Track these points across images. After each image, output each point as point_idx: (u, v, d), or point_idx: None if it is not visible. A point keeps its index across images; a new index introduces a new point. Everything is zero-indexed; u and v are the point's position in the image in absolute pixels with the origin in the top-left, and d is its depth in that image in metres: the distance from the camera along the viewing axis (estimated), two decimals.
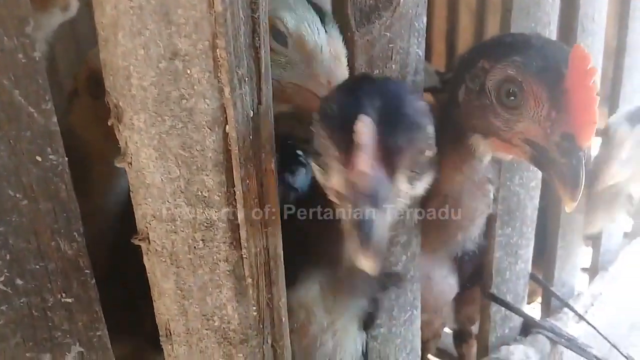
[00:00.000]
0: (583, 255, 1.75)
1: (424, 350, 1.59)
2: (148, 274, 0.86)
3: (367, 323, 1.14)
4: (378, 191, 0.69)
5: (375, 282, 1.04)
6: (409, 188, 0.79)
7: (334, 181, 0.75)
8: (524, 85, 0.93)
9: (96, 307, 0.84)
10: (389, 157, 0.72)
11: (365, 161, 0.69)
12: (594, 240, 1.87)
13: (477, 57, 1.02)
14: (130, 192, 0.81)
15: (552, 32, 1.23)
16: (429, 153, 0.80)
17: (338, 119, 0.74)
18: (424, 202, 1.11)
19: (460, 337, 1.80)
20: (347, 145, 0.71)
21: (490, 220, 1.32)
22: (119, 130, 0.77)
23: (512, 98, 0.95)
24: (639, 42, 1.69)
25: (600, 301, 1.65)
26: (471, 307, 1.55)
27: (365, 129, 0.69)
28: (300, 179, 1.26)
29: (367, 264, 0.69)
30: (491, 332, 1.44)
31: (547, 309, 1.65)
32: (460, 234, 1.21)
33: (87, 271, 0.81)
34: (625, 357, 1.40)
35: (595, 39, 1.46)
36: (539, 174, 1.35)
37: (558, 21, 1.44)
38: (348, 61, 1.01)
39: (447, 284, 1.39)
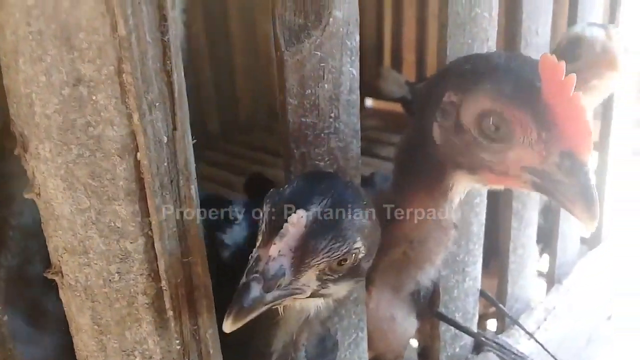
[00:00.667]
0: (537, 267, 1.74)
1: None
2: (65, 309, 0.82)
3: None
4: (272, 277, 0.73)
5: None
6: (319, 286, 0.81)
7: (253, 250, 0.78)
8: (504, 114, 0.86)
9: (9, 345, 0.79)
10: (303, 256, 0.75)
11: (277, 248, 0.74)
12: (550, 250, 1.87)
13: (441, 89, 0.97)
14: (42, 224, 0.77)
15: (490, 47, 1.22)
16: (350, 264, 0.81)
17: (281, 204, 0.78)
18: (387, 246, 1.08)
19: (424, 354, 1.78)
20: (274, 228, 0.75)
21: None
22: (25, 160, 0.74)
23: (495, 129, 0.88)
24: None
25: (553, 315, 1.64)
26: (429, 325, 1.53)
27: (296, 222, 0.74)
28: (233, 236, 1.22)
29: (226, 324, 0.72)
30: (441, 351, 1.42)
31: (502, 325, 1.64)
32: (419, 275, 1.20)
33: None
34: None
35: (540, 53, 1.46)
36: (484, 190, 1.34)
37: (504, 34, 1.45)
38: (278, 81, 0.98)
39: (410, 322, 1.37)
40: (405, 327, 1.38)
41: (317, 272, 0.79)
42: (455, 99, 0.94)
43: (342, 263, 0.80)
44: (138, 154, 0.72)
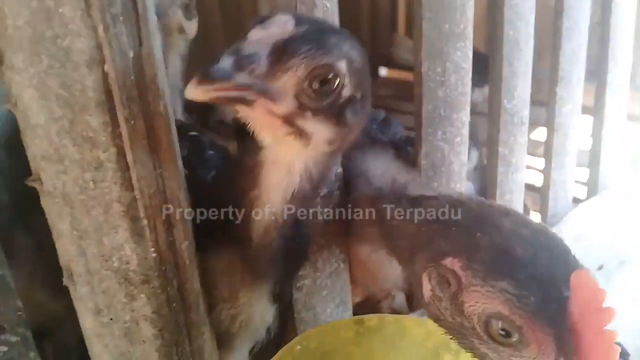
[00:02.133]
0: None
1: (377, 310, 1.61)
2: (46, 216, 0.88)
3: (279, 297, 1.16)
4: (245, 56, 0.73)
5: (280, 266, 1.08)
6: (298, 110, 0.80)
7: None
8: (523, 329, 0.74)
9: None
10: (282, 54, 0.75)
11: (256, 34, 0.75)
12: (542, 205, 1.90)
13: (439, 242, 0.84)
14: (21, 134, 0.83)
15: None
16: (331, 91, 0.81)
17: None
18: None
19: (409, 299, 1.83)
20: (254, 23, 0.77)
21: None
22: (1, 72, 0.79)
23: (505, 334, 0.76)
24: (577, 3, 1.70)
25: None
26: None
27: (281, 22, 0.75)
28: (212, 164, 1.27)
29: (188, 89, 0.71)
30: None
31: None
32: None
33: None
34: None
35: None
36: (464, 129, 1.37)
37: None
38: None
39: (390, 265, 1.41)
40: (395, 267, 1.43)
41: (295, 86, 0.77)
42: (461, 273, 0.79)
43: (324, 84, 0.78)
44: (105, 65, 0.78)
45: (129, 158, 0.83)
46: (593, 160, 2.02)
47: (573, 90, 1.76)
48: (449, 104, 1.30)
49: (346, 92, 0.82)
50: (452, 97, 1.30)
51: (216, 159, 1.17)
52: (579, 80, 1.77)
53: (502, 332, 0.76)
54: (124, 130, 0.82)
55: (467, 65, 1.31)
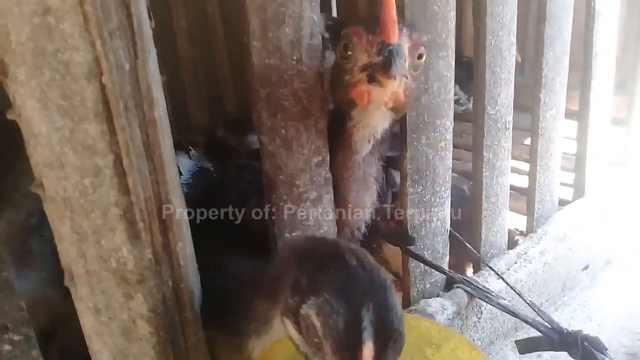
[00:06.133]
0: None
1: None
2: (49, 220, 0.93)
3: None
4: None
5: None
6: None
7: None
8: (353, 37, 1.11)
9: (5, 272, 0.91)
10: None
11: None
12: (528, 207, 1.95)
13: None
14: (24, 143, 0.88)
15: None
16: None
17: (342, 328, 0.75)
18: None
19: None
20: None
21: (402, 179, 1.40)
22: (7, 85, 0.85)
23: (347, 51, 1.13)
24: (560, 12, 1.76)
25: (524, 259, 1.73)
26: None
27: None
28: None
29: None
30: (412, 287, 1.52)
31: (476, 268, 1.73)
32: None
33: None
34: (536, 310, 1.45)
35: None
36: (448, 135, 1.43)
37: None
38: (242, 24, 1.08)
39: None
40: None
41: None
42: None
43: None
44: (103, 77, 0.83)
45: (126, 164, 0.88)
46: (579, 163, 2.07)
47: (556, 95, 1.81)
48: (432, 111, 1.36)
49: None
50: (435, 103, 1.36)
51: None
52: (561, 86, 1.82)
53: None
54: (121, 138, 0.87)
55: (450, 74, 1.37)
